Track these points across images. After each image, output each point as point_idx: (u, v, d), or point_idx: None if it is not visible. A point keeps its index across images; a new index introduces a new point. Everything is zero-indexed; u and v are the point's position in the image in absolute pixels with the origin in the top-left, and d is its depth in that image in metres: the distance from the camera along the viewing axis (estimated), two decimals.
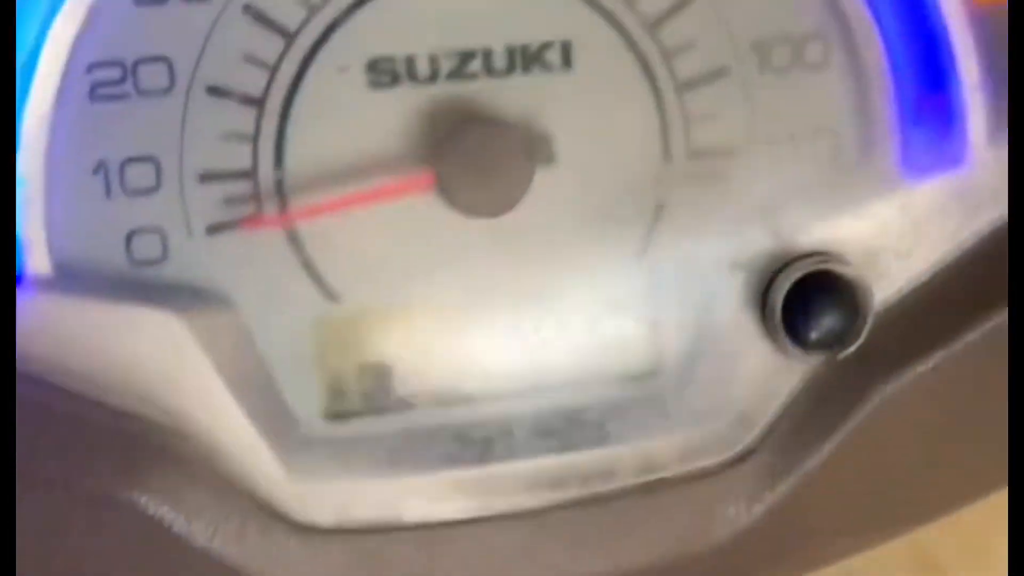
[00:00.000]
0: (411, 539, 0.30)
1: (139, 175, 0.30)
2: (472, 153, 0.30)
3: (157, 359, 0.29)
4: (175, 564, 0.29)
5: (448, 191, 0.30)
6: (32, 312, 0.28)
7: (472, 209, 0.30)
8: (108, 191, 0.30)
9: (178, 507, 0.28)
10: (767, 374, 0.31)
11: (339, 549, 0.30)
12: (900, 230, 0.32)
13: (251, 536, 0.29)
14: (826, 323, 0.30)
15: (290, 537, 0.29)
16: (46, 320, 0.28)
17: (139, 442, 0.28)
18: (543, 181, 0.31)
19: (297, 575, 0.30)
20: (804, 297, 0.30)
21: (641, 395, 0.32)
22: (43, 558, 0.28)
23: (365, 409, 0.32)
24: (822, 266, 0.30)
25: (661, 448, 0.32)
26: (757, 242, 0.32)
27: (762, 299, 0.31)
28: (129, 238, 0.30)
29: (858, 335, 0.30)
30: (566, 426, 0.32)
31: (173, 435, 0.29)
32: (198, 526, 0.28)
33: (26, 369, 0.28)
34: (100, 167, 0.29)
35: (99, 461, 0.28)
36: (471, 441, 0.31)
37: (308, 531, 0.30)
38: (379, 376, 0.32)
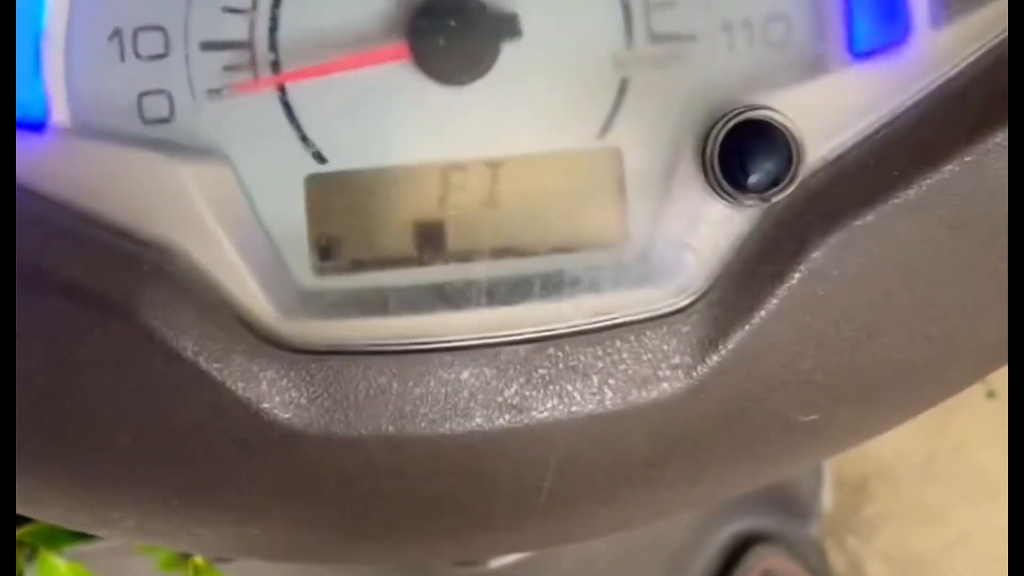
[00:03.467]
0: (386, 367, 0.33)
1: (149, 42, 0.34)
2: (444, 26, 0.33)
3: (161, 202, 0.33)
4: (162, 378, 0.32)
5: (423, 60, 0.33)
6: (52, 154, 0.32)
7: (444, 77, 0.34)
8: (122, 55, 0.33)
9: (167, 322, 0.32)
10: (715, 229, 0.34)
11: (319, 373, 0.33)
12: (842, 100, 0.34)
13: (236, 356, 0.32)
14: (759, 165, 0.32)
15: (273, 359, 0.33)
16: (64, 161, 0.32)
17: (136, 260, 0.32)
18: (510, 55, 0.34)
19: (278, 395, 0.33)
20: (739, 144, 0.32)
21: (604, 258, 0.35)
22: (42, 361, 0.31)
23: (350, 266, 0.35)
24: (754, 114, 0.32)
25: (617, 300, 0.34)
26: (711, 116, 0.34)
27: (703, 149, 0.33)
28: (140, 99, 0.34)
29: (791, 179, 0.32)
30: (529, 283, 0.34)
31: (170, 260, 0.32)
32: (185, 341, 0.32)
33: (42, 197, 0.32)
34: (115, 34, 0.33)
35: (97, 272, 0.31)
36: (444, 293, 0.34)
37: (290, 354, 0.33)
38: (363, 235, 0.35)
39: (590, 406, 0.34)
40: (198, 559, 0.70)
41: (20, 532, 0.69)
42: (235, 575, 0.72)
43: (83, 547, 0.74)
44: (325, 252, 0.34)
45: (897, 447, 1.24)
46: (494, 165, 0.35)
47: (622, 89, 0.35)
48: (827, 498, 1.08)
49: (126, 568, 0.76)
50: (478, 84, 0.34)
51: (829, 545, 1.11)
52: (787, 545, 1.02)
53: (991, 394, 1.24)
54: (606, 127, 0.35)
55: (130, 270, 0.32)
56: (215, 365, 0.32)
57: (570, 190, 0.35)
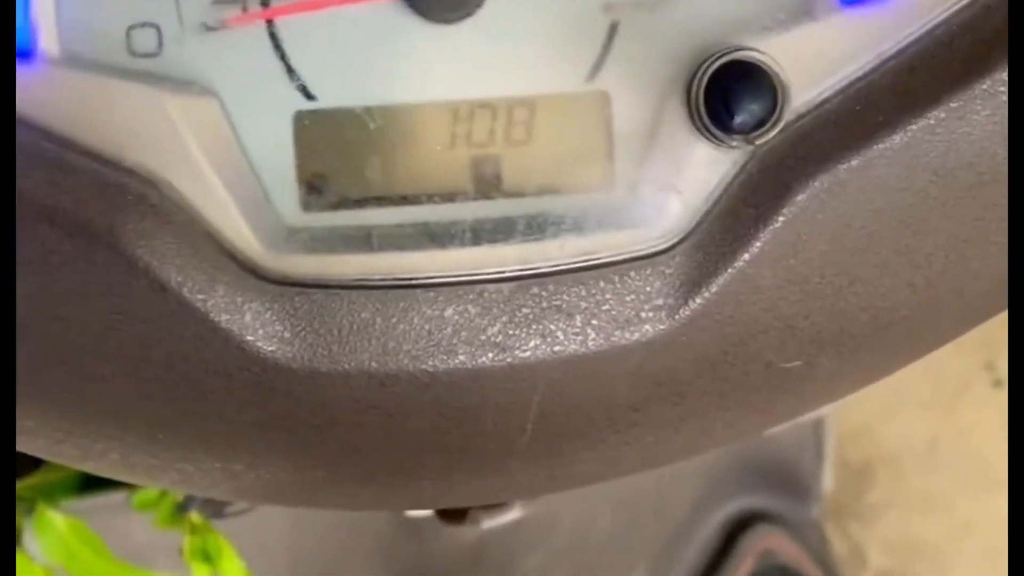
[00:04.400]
0: (370, 301, 0.33)
1: None
2: None
3: (148, 134, 0.33)
4: (145, 307, 0.32)
5: None
6: (40, 83, 0.33)
7: (432, 15, 0.34)
8: None
9: (151, 251, 0.32)
10: (701, 170, 0.34)
11: (303, 306, 0.33)
12: (829, 45, 0.34)
13: (220, 287, 0.33)
14: (745, 107, 0.32)
15: (257, 291, 0.33)
16: (52, 91, 0.33)
17: (122, 190, 0.32)
18: None
19: (262, 327, 0.33)
20: (725, 85, 0.32)
21: (590, 199, 0.35)
22: (25, 290, 0.32)
23: (336, 203, 0.35)
24: (738, 55, 0.33)
25: (601, 241, 0.34)
26: (698, 59, 0.34)
27: (688, 90, 0.33)
28: (129, 31, 0.34)
29: (776, 122, 0.32)
30: (513, 222, 0.35)
31: (155, 191, 0.33)
32: (169, 271, 0.32)
33: (28, 126, 0.32)
34: None
35: (82, 201, 0.32)
36: (429, 231, 0.35)
37: (274, 286, 0.33)
38: (350, 173, 0.35)
39: (573, 346, 0.34)
40: (195, 516, 0.71)
41: (19, 486, 0.70)
42: (233, 534, 0.72)
43: (81, 503, 0.74)
44: (312, 188, 0.35)
45: (901, 433, 1.24)
46: (481, 106, 0.35)
47: (611, 32, 0.35)
48: (828, 479, 1.08)
49: (124, 526, 0.76)
50: (467, 23, 0.34)
51: (831, 530, 1.11)
52: (787, 525, 1.03)
53: (997, 383, 1.24)
54: (595, 70, 0.35)
55: (115, 200, 0.32)
56: (199, 296, 0.32)
57: (557, 132, 0.35)
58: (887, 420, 1.24)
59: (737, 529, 1.01)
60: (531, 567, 0.97)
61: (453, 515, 0.59)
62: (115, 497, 0.80)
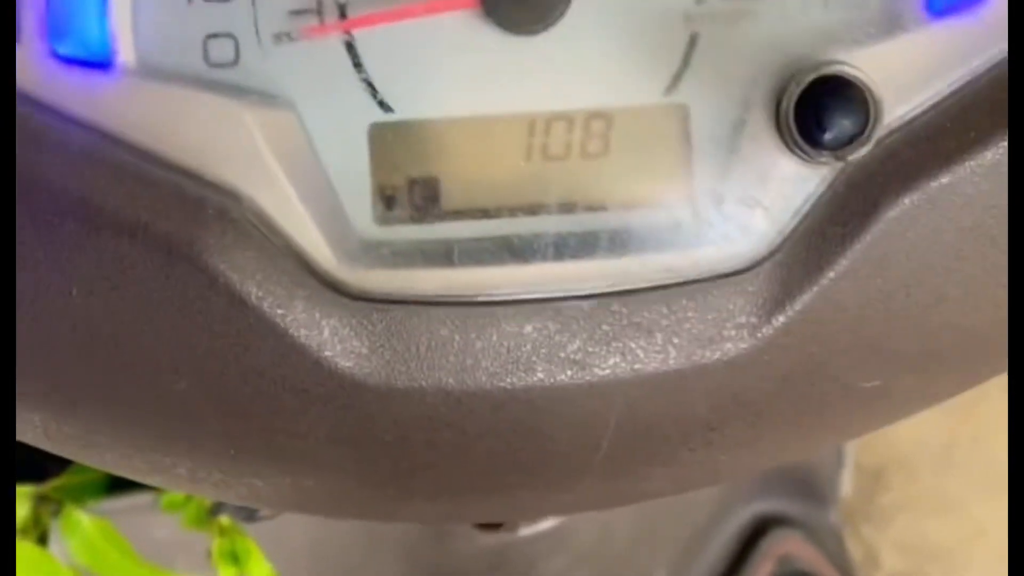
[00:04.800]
0: (449, 318, 0.33)
1: None
2: None
3: (225, 146, 0.32)
4: (224, 322, 0.32)
5: (492, 9, 0.33)
6: (118, 94, 0.32)
7: (513, 27, 0.33)
8: None
9: (232, 266, 0.31)
10: (787, 187, 0.33)
11: (381, 322, 0.33)
12: (919, 59, 0.33)
13: (299, 302, 0.32)
14: (836, 122, 0.32)
15: (335, 306, 0.32)
16: (129, 102, 0.32)
17: (201, 203, 0.32)
18: (580, 7, 0.34)
19: (340, 343, 0.32)
20: (815, 100, 0.32)
21: (672, 215, 0.34)
22: (104, 303, 0.31)
23: (414, 216, 0.34)
24: (831, 69, 0.32)
25: (683, 258, 0.34)
26: (783, 72, 0.34)
27: (776, 106, 0.33)
28: (206, 41, 0.33)
29: (868, 138, 0.32)
30: (596, 238, 0.34)
31: (234, 204, 0.32)
32: (250, 286, 0.32)
33: (108, 137, 0.31)
34: None
35: (162, 214, 0.31)
36: (510, 246, 0.34)
37: (353, 302, 0.32)
38: (428, 186, 0.35)
39: (653, 364, 0.34)
40: (224, 519, 0.71)
41: (47, 487, 0.70)
42: (258, 536, 0.72)
43: (108, 504, 0.74)
44: (389, 201, 0.34)
45: (915, 436, 1.24)
46: (562, 118, 0.34)
47: (691, 44, 0.35)
48: (847, 483, 1.08)
49: (152, 526, 0.76)
50: (547, 35, 0.34)
51: (845, 533, 1.11)
52: (806, 530, 1.02)
53: None
54: (674, 83, 0.35)
55: (195, 213, 0.32)
56: (278, 311, 0.32)
57: (635, 146, 0.35)
58: (902, 423, 1.24)
59: (756, 533, 1.01)
60: (553, 571, 0.97)
61: (491, 523, 0.58)
62: (142, 498, 0.79)
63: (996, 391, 1.20)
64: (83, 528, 0.70)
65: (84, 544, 0.70)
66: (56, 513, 0.71)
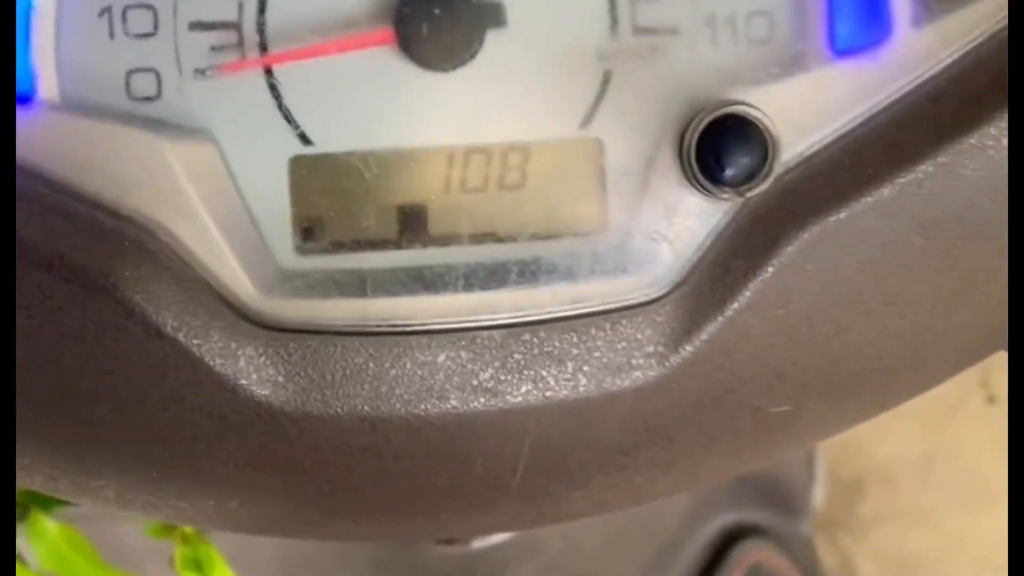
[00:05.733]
0: (363, 347, 0.34)
1: (138, 20, 0.34)
2: (429, 13, 0.34)
3: (145, 179, 0.33)
4: (141, 352, 0.33)
5: (408, 46, 0.34)
6: (39, 128, 0.33)
7: (429, 64, 0.34)
8: (111, 33, 0.34)
9: (147, 297, 0.32)
10: (691, 221, 0.34)
11: (297, 351, 0.34)
12: (819, 97, 0.34)
13: (215, 332, 0.33)
14: (735, 160, 0.33)
15: (251, 336, 0.33)
16: (51, 136, 0.33)
17: (119, 235, 0.32)
18: (495, 43, 0.35)
19: (256, 372, 0.33)
20: (716, 138, 0.33)
21: (582, 246, 0.35)
22: (23, 333, 0.32)
23: (329, 248, 0.35)
24: (731, 109, 0.33)
25: (593, 288, 0.35)
26: (691, 109, 0.35)
27: (680, 143, 0.34)
28: (128, 76, 0.34)
29: (767, 174, 0.33)
30: (507, 269, 0.35)
31: (152, 236, 0.33)
32: (165, 317, 0.32)
33: (27, 171, 0.32)
34: (105, 11, 0.34)
35: (79, 246, 0.32)
36: (423, 277, 0.35)
37: (269, 332, 0.33)
38: (344, 218, 0.35)
39: (564, 392, 0.34)
40: (186, 528, 0.71)
41: None
42: (224, 544, 0.73)
43: (74, 510, 0.75)
44: (307, 233, 0.35)
45: (894, 448, 1.25)
46: (476, 152, 0.35)
47: (605, 80, 0.36)
48: (819, 494, 1.09)
49: (117, 533, 0.77)
50: (462, 71, 0.35)
51: (821, 542, 1.12)
52: (777, 540, 1.03)
53: (991, 399, 1.24)
54: (588, 118, 0.36)
55: (112, 245, 0.32)
56: (194, 341, 0.33)
57: (550, 179, 0.36)
58: (880, 435, 1.25)
59: (727, 542, 1.02)
60: None
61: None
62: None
63: (974, 402, 1.21)
64: (49, 534, 0.71)
65: (50, 550, 0.71)
66: (22, 519, 0.72)
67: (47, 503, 0.73)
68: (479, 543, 0.60)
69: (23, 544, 0.70)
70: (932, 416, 1.25)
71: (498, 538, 0.67)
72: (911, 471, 1.26)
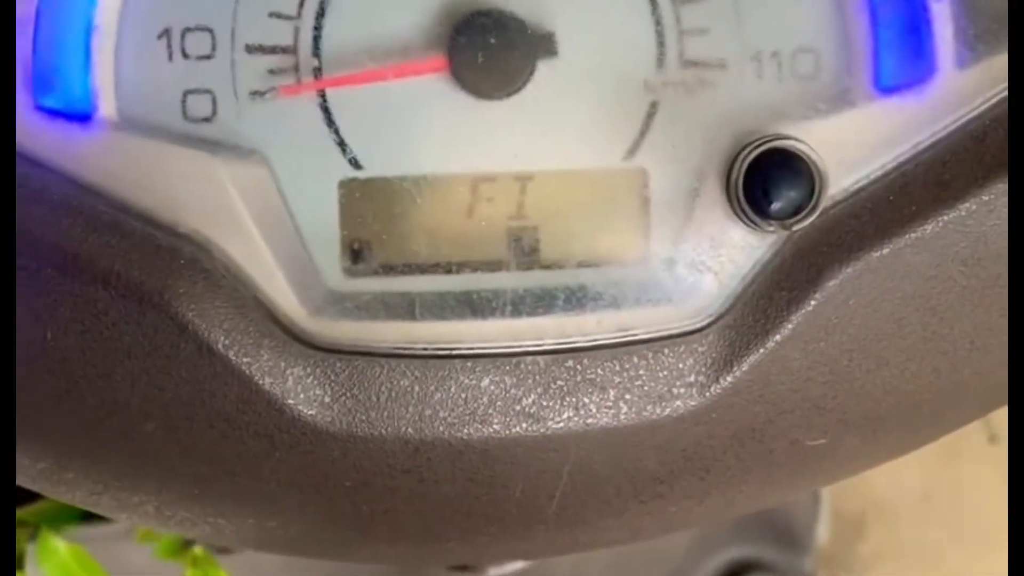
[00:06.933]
0: (409, 370, 0.34)
1: (197, 43, 0.35)
2: (483, 42, 0.34)
3: (199, 198, 0.34)
4: (192, 369, 0.33)
5: (460, 75, 0.34)
6: (97, 146, 0.33)
7: (480, 92, 0.35)
8: (170, 54, 0.35)
9: (200, 314, 0.33)
10: (736, 253, 0.35)
11: (344, 372, 0.34)
12: (865, 134, 0.35)
13: (265, 351, 0.33)
14: (782, 194, 0.33)
15: (300, 356, 0.34)
16: (108, 154, 0.33)
17: (173, 253, 0.33)
18: (545, 73, 0.35)
19: (303, 392, 0.34)
20: (764, 171, 0.33)
21: (627, 275, 0.36)
22: (77, 347, 0.32)
23: (379, 270, 0.36)
24: (779, 143, 0.33)
25: (637, 317, 0.35)
26: (736, 142, 0.35)
27: (727, 176, 0.34)
28: (185, 97, 0.35)
29: (813, 209, 0.33)
30: (553, 296, 0.35)
31: (205, 255, 0.33)
32: (217, 334, 0.33)
33: (85, 188, 0.33)
34: (164, 33, 0.35)
35: (135, 263, 0.33)
36: (470, 301, 0.35)
37: (317, 352, 0.34)
38: (395, 241, 0.36)
39: (605, 419, 0.35)
40: (197, 549, 0.71)
41: (23, 512, 0.70)
42: (232, 567, 0.73)
43: (84, 530, 0.75)
44: (356, 255, 0.35)
45: (896, 486, 1.25)
46: (524, 179, 0.36)
47: (651, 112, 0.36)
48: (823, 531, 1.09)
49: (126, 555, 0.76)
50: (512, 100, 0.35)
51: None
52: None
53: (993, 438, 1.24)
54: (634, 148, 0.36)
55: (167, 262, 0.33)
56: (244, 359, 0.33)
57: (596, 207, 0.36)
58: (881, 472, 1.25)
59: None
60: None
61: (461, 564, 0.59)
62: (118, 526, 0.80)
63: (976, 442, 1.21)
64: (59, 554, 0.71)
65: (59, 570, 0.71)
66: (32, 538, 0.71)
67: (58, 523, 0.73)
68: (495, 573, 0.60)
69: (32, 564, 0.70)
70: (934, 454, 1.25)
71: (511, 566, 0.67)
72: (912, 509, 1.26)
